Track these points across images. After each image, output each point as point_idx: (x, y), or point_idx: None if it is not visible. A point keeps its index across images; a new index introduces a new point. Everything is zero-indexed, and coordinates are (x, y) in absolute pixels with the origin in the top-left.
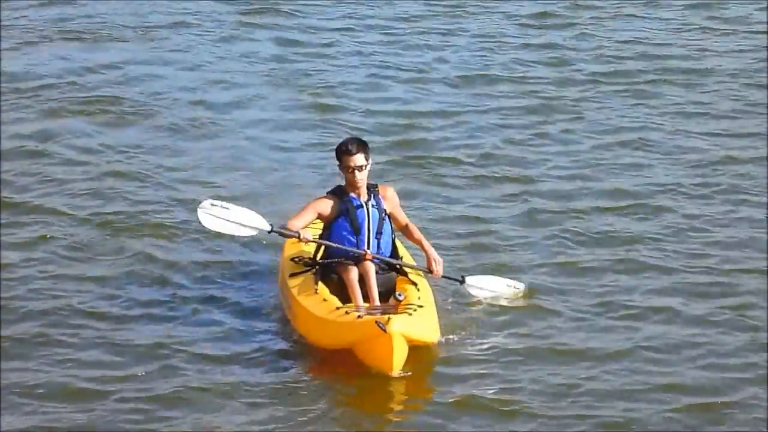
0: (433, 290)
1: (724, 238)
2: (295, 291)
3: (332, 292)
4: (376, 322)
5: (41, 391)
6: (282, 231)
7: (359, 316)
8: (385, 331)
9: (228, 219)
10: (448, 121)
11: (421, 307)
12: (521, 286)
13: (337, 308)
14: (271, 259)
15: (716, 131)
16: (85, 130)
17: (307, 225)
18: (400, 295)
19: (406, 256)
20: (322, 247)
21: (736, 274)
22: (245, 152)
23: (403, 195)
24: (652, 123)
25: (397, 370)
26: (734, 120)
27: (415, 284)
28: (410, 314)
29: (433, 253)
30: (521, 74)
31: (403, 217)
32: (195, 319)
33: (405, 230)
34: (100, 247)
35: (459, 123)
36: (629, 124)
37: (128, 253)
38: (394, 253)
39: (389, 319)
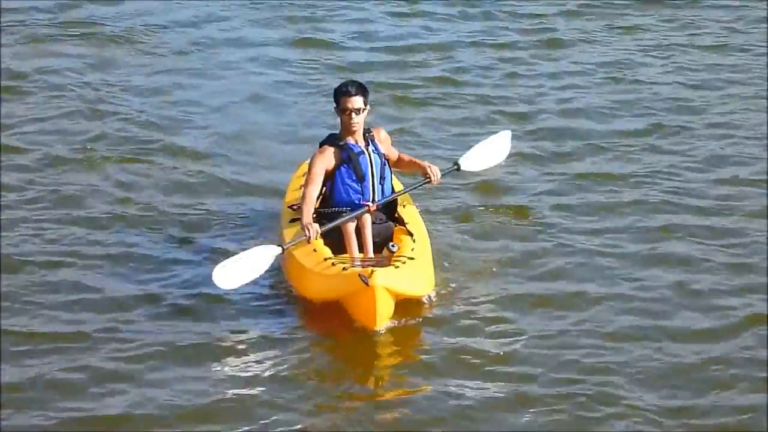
0: (432, 241)
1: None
2: (288, 239)
3: (327, 242)
4: (359, 275)
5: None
6: (292, 244)
7: (344, 269)
8: (367, 284)
9: (243, 269)
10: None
11: (411, 259)
12: (506, 134)
13: (325, 259)
14: (275, 206)
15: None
16: (68, 66)
17: (318, 188)
18: (393, 246)
19: (407, 199)
20: (323, 195)
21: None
22: (230, 91)
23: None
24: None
25: (381, 324)
26: None
27: (411, 234)
28: (397, 267)
29: (425, 162)
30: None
31: (394, 152)
32: (186, 267)
33: (398, 162)
34: (86, 190)
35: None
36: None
37: (112, 198)
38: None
39: (372, 272)
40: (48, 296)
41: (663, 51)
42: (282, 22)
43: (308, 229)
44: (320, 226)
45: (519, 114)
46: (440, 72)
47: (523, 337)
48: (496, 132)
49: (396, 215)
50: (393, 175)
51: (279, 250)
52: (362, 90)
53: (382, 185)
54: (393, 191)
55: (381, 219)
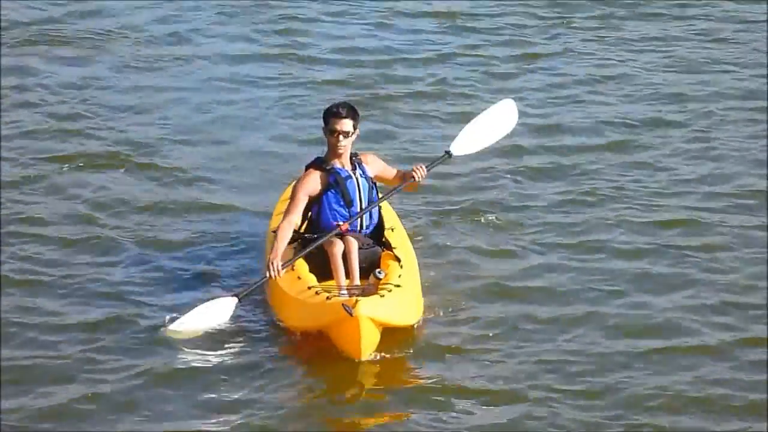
0: (419, 266)
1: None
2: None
3: (313, 267)
4: (342, 305)
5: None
6: (251, 289)
7: (328, 298)
8: (351, 314)
9: (199, 322)
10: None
11: (398, 286)
12: (508, 103)
13: (309, 288)
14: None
15: None
16: (38, 67)
17: (299, 211)
18: (380, 273)
19: (395, 222)
20: (309, 219)
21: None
22: (212, 108)
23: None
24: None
25: (365, 355)
26: None
27: (398, 260)
28: (383, 296)
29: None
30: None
31: (390, 170)
32: (168, 288)
33: (398, 178)
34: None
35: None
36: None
37: (87, 219)
38: (380, 221)
39: (357, 301)
40: (25, 319)
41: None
42: (263, 37)
43: (270, 267)
44: (301, 241)
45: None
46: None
47: (514, 364)
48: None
49: (383, 239)
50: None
51: (235, 300)
52: (353, 113)
53: (370, 211)
54: (381, 216)
55: (368, 244)
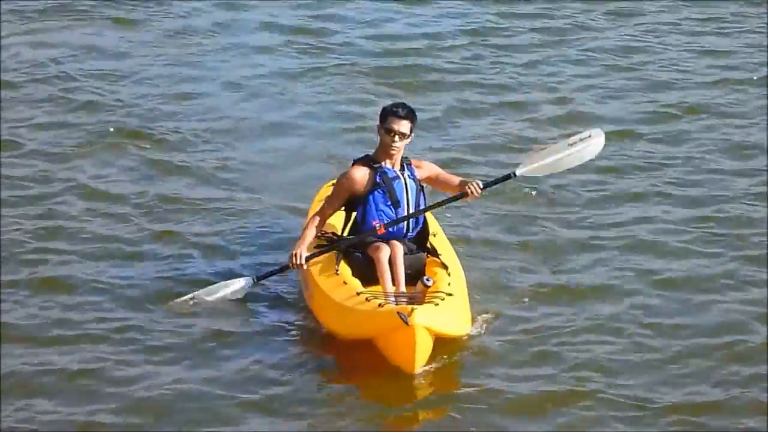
0: (465, 273)
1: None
2: (314, 271)
3: (356, 273)
4: (397, 313)
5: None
6: (269, 273)
7: (380, 305)
8: (407, 323)
9: (207, 297)
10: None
11: (450, 295)
12: (597, 135)
13: (357, 294)
14: (295, 228)
15: None
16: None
17: (335, 208)
18: (428, 280)
19: (437, 228)
20: (354, 220)
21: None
22: (244, 105)
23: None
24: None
25: (419, 367)
26: None
27: (446, 267)
28: (437, 304)
29: (468, 181)
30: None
31: (453, 177)
32: (191, 288)
33: (459, 186)
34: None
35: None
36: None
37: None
38: (425, 229)
39: (412, 310)
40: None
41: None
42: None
43: (294, 257)
44: (333, 234)
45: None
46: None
47: (570, 371)
48: (573, 132)
49: (428, 245)
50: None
51: (250, 281)
52: (412, 116)
53: (418, 215)
54: (426, 222)
55: (412, 249)
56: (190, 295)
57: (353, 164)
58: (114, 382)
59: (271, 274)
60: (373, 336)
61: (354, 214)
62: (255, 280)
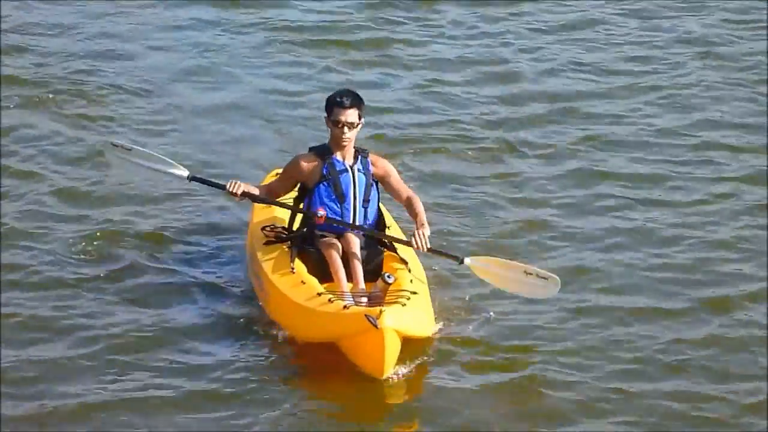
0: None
1: None
2: (267, 268)
3: (311, 269)
4: (365, 315)
5: None
6: (205, 180)
7: (345, 306)
8: (376, 326)
9: (136, 162)
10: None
11: (414, 293)
12: (554, 282)
13: (319, 294)
14: (236, 224)
15: None
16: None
17: (280, 192)
18: (389, 277)
19: (392, 221)
20: (298, 216)
21: None
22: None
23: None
24: None
25: (388, 372)
26: None
27: (405, 263)
28: (404, 305)
29: (421, 224)
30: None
31: (403, 188)
32: (140, 300)
33: (406, 203)
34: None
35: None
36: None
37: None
38: (380, 222)
39: (381, 312)
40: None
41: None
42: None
43: (235, 184)
44: (284, 229)
45: None
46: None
47: (537, 367)
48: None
49: (383, 239)
50: (381, 200)
51: (185, 174)
52: (357, 102)
53: (366, 208)
54: (380, 217)
55: (370, 243)
56: (131, 146)
57: (308, 151)
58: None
59: (207, 182)
60: (338, 339)
61: (300, 206)
62: (189, 178)
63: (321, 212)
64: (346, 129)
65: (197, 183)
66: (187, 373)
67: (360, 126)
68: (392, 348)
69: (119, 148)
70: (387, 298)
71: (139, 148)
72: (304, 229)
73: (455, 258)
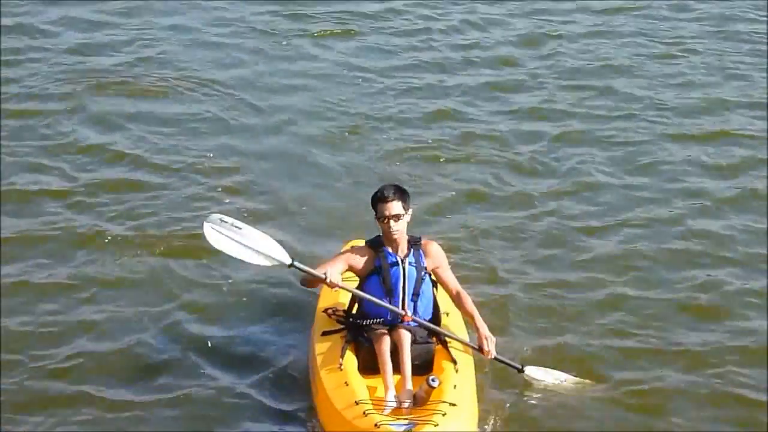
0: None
1: None
2: (319, 360)
3: (362, 359)
4: None
5: None
6: (305, 269)
7: (377, 425)
8: None
9: (239, 242)
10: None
11: (453, 405)
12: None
13: (357, 403)
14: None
15: None
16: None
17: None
18: (434, 381)
19: (455, 322)
20: (357, 302)
21: None
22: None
23: None
24: None
25: None
26: None
27: (455, 362)
28: (436, 425)
29: (485, 329)
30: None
31: (452, 282)
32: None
33: (455, 299)
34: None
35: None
36: None
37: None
38: (436, 317)
39: None
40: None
41: None
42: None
43: (330, 276)
44: (351, 318)
45: None
46: None
47: None
48: None
49: (441, 337)
50: (436, 294)
51: (288, 260)
52: (400, 193)
53: (415, 302)
54: (435, 311)
55: (422, 336)
56: (241, 224)
57: (364, 243)
58: None
59: (308, 273)
60: None
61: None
62: (292, 265)
63: (404, 313)
64: (392, 222)
65: (298, 271)
66: None
67: (407, 217)
68: None
69: (227, 225)
70: (426, 407)
71: (250, 227)
72: (358, 320)
73: (516, 369)
